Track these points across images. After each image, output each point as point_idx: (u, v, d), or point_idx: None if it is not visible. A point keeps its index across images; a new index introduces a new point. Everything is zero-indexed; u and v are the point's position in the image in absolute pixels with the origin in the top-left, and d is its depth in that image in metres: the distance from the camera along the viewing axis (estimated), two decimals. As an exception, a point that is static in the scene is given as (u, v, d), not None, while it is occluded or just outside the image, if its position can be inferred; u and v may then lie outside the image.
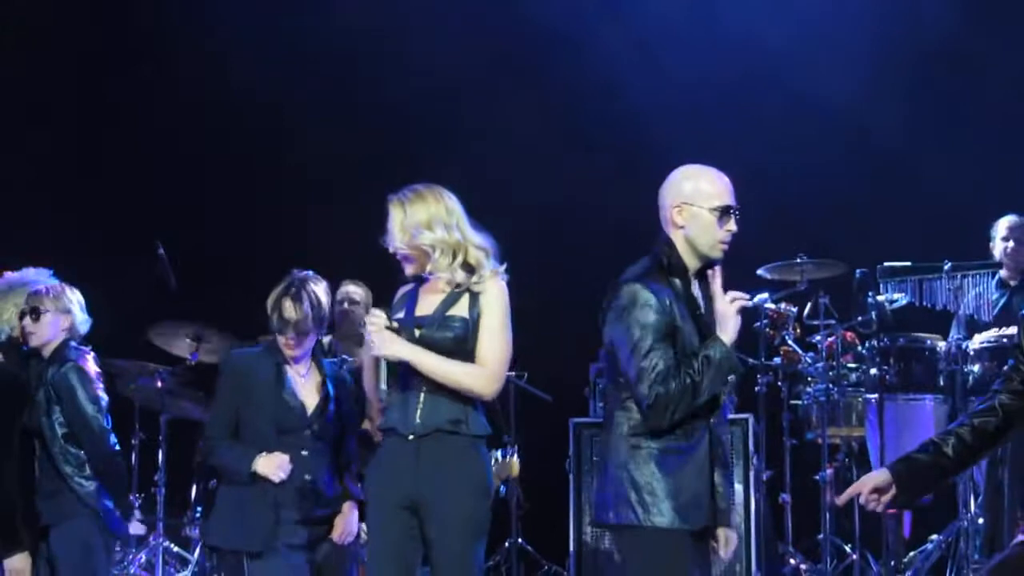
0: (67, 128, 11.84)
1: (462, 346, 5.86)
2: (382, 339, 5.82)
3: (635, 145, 11.05)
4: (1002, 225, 9.59)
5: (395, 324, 5.86)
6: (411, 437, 5.82)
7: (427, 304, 5.95)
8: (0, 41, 11.57)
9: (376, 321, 5.86)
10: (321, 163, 11.57)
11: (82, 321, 7.16)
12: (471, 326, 5.87)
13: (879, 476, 5.10)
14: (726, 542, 5.56)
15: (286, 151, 11.76)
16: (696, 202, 5.51)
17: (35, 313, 7.07)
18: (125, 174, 11.67)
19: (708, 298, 5.53)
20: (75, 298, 7.17)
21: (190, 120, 11.73)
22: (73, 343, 7.11)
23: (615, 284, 5.48)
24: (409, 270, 5.97)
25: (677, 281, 5.46)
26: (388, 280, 6.22)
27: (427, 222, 5.92)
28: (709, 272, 5.50)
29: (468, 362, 5.86)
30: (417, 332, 5.88)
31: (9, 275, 7.36)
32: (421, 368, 5.83)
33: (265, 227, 11.64)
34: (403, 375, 5.88)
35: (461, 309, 5.90)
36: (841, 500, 5.17)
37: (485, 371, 5.88)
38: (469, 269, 5.93)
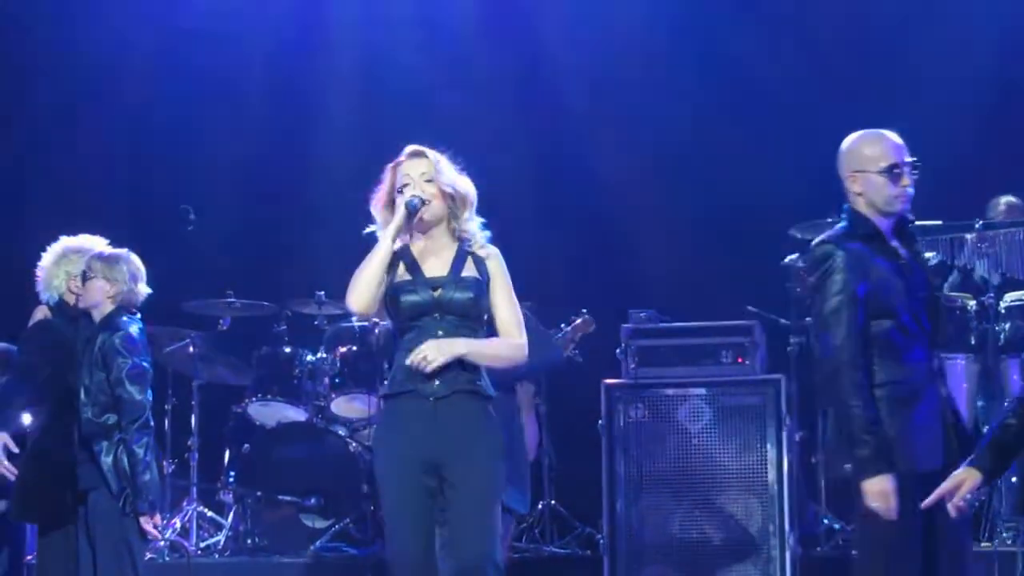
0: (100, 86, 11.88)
1: (477, 305, 5.93)
2: (441, 350, 5.81)
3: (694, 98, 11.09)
4: (999, 211, 9.58)
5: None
6: (431, 399, 5.84)
7: (433, 265, 5.99)
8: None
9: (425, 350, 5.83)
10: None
11: (128, 290, 7.13)
12: (484, 287, 5.95)
13: (970, 478, 5.16)
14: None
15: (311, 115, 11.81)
16: (865, 167, 5.74)
17: (84, 276, 7.10)
18: (155, 138, 11.71)
19: (913, 253, 5.76)
20: (129, 268, 7.12)
21: (213, 88, 11.76)
22: (127, 312, 7.11)
23: (812, 247, 5.76)
24: (408, 224, 5.93)
25: (872, 244, 5.67)
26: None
27: (457, 174, 6.03)
28: None
29: (479, 322, 5.95)
30: (435, 293, 5.90)
31: (65, 240, 7.38)
32: (476, 357, 5.89)
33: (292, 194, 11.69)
34: (414, 338, 5.90)
35: (471, 270, 5.97)
36: (926, 504, 5.23)
37: (519, 342, 6.01)
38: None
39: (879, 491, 5.42)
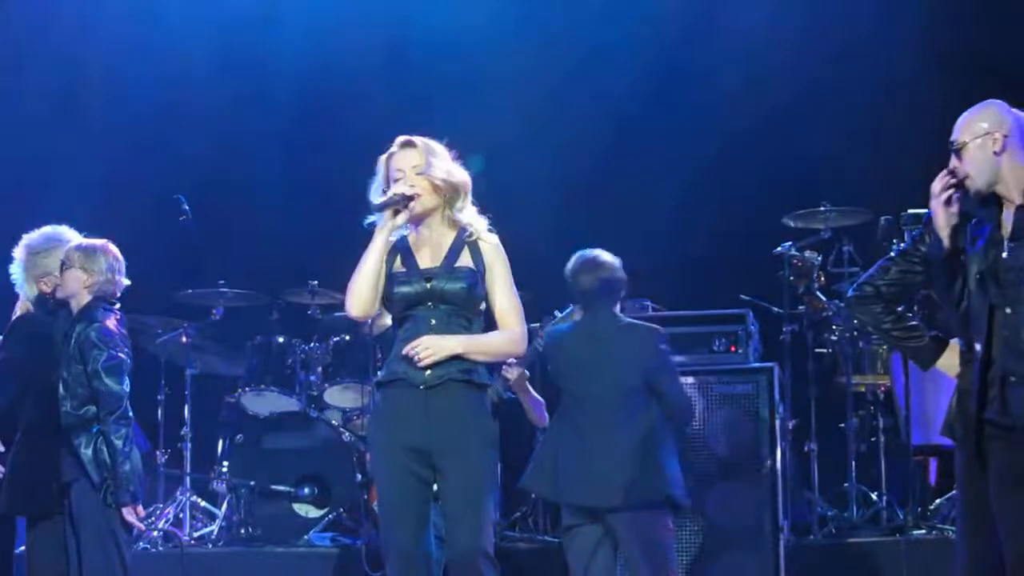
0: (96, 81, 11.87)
1: (471, 294, 5.93)
2: (437, 348, 5.81)
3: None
4: None
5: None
6: (422, 387, 5.84)
7: (427, 255, 6.00)
8: None
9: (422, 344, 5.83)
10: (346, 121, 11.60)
11: (106, 281, 7.09)
12: (479, 277, 5.96)
13: None
14: None
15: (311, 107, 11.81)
16: None
17: (63, 266, 7.07)
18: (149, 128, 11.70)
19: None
20: (107, 259, 7.07)
21: (208, 78, 11.76)
22: (105, 303, 7.08)
23: None
24: (402, 216, 5.93)
25: (984, 213, 5.56)
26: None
27: (451, 163, 6.02)
28: None
29: (474, 312, 5.96)
30: (428, 284, 5.91)
31: (27, 240, 7.32)
32: (472, 354, 5.90)
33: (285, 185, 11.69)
34: (409, 328, 5.92)
35: (466, 260, 5.98)
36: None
37: (517, 332, 6.04)
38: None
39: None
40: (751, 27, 11.16)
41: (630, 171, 11.20)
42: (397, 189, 5.92)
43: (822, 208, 9.58)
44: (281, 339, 10.24)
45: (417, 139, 6.04)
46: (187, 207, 10.18)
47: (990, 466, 5.32)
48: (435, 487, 5.91)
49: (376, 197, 6.02)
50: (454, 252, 5.99)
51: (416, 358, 5.80)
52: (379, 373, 6.11)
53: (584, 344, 7.18)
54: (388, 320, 10.11)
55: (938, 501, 9.25)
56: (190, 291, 10.32)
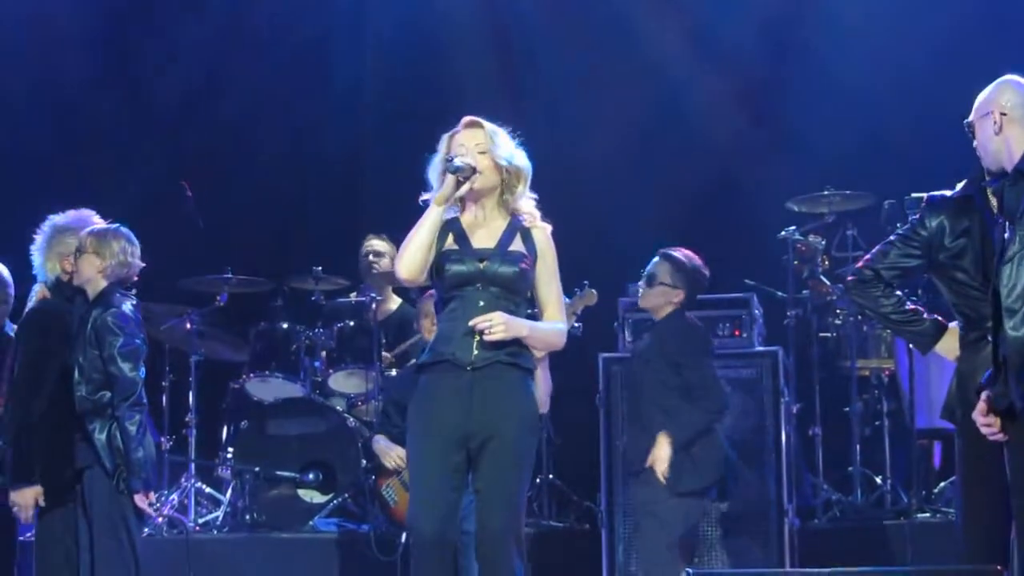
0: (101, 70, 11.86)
1: (522, 279, 5.93)
2: (510, 327, 5.79)
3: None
4: None
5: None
6: (469, 368, 5.83)
7: (482, 236, 5.99)
8: None
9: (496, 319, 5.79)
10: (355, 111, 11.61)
11: (118, 264, 7.06)
12: (531, 264, 5.96)
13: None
14: None
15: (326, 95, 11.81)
16: None
17: (78, 251, 7.07)
18: (154, 115, 11.70)
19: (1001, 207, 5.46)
20: (119, 243, 7.06)
21: (219, 66, 11.76)
22: (121, 288, 7.08)
23: None
24: (464, 187, 5.90)
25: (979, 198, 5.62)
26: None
27: (515, 149, 6.04)
28: None
29: (521, 296, 5.96)
30: (481, 264, 5.90)
31: (54, 220, 7.31)
32: (532, 340, 5.92)
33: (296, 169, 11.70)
34: (456, 308, 5.90)
35: (518, 245, 5.98)
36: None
37: (563, 328, 6.07)
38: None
39: None
40: (756, 21, 11.17)
41: (633, 154, 11.19)
42: (461, 160, 5.90)
43: (826, 192, 9.58)
44: (285, 325, 10.23)
45: (482, 120, 6.04)
46: (191, 193, 10.18)
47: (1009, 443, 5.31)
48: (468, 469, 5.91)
49: (434, 174, 6.00)
50: (508, 236, 5.99)
51: (487, 331, 5.77)
52: (422, 356, 6.07)
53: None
54: (393, 306, 10.21)
55: (942, 484, 9.26)
56: (194, 278, 10.31)
